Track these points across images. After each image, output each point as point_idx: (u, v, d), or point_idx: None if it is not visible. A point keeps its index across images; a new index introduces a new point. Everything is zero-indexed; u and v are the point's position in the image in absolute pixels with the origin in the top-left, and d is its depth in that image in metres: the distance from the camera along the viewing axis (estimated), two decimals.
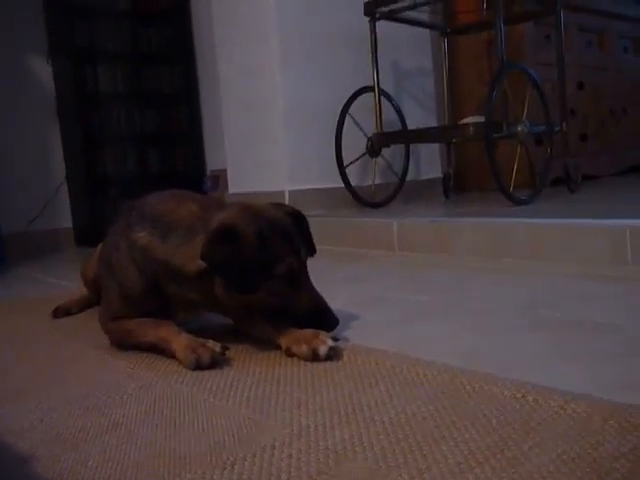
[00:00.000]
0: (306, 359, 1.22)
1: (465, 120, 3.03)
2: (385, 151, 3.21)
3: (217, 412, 1.00)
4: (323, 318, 1.30)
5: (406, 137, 3.25)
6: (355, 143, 3.10)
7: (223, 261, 1.24)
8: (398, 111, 3.29)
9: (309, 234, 1.41)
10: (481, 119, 2.69)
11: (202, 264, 1.26)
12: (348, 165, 3.09)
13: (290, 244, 1.30)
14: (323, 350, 1.21)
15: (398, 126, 3.28)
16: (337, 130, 3.04)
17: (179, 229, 1.32)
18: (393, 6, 2.98)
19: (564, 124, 3.09)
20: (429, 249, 2.35)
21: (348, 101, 3.07)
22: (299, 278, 1.31)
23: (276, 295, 1.29)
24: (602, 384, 1.00)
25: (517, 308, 1.54)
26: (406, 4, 2.97)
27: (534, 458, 0.76)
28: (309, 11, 3.19)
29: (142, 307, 1.39)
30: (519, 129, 2.71)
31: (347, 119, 3.06)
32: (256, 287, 1.25)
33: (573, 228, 1.98)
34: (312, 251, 1.41)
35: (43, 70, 3.94)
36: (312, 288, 1.33)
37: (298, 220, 1.38)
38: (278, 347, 1.29)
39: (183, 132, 4.36)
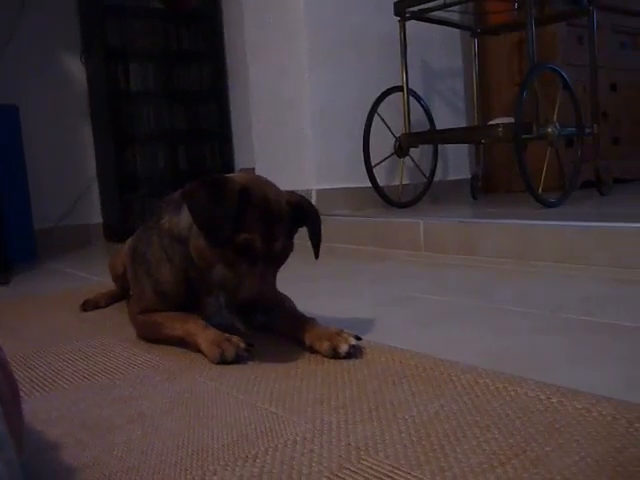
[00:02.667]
0: (327, 356, 1.23)
1: (495, 121, 3.00)
2: (413, 151, 3.20)
3: (240, 406, 1.01)
4: (251, 310, 1.20)
5: (434, 137, 3.23)
6: (383, 143, 3.10)
7: (198, 203, 1.22)
8: (427, 111, 3.28)
9: (317, 233, 1.34)
10: (511, 120, 2.66)
11: None
12: (376, 165, 3.08)
13: (266, 229, 1.22)
14: (344, 348, 1.21)
15: (426, 126, 3.27)
16: (365, 129, 3.04)
17: None
18: (423, 6, 2.97)
19: (595, 126, 3.05)
20: (456, 250, 2.34)
21: (377, 100, 3.06)
22: (256, 263, 1.22)
23: (229, 266, 1.22)
24: (628, 387, 0.99)
25: (544, 310, 1.52)
26: (436, 4, 2.96)
27: (557, 460, 0.75)
28: (338, 12, 3.19)
29: (174, 301, 1.41)
30: (549, 131, 2.68)
31: (375, 119, 3.06)
32: (222, 241, 1.19)
33: (603, 231, 1.96)
34: (315, 254, 1.35)
35: (77, 68, 4.01)
36: (267, 282, 1.23)
37: (304, 216, 1.32)
38: (302, 343, 1.29)
39: (212, 130, 4.39)
